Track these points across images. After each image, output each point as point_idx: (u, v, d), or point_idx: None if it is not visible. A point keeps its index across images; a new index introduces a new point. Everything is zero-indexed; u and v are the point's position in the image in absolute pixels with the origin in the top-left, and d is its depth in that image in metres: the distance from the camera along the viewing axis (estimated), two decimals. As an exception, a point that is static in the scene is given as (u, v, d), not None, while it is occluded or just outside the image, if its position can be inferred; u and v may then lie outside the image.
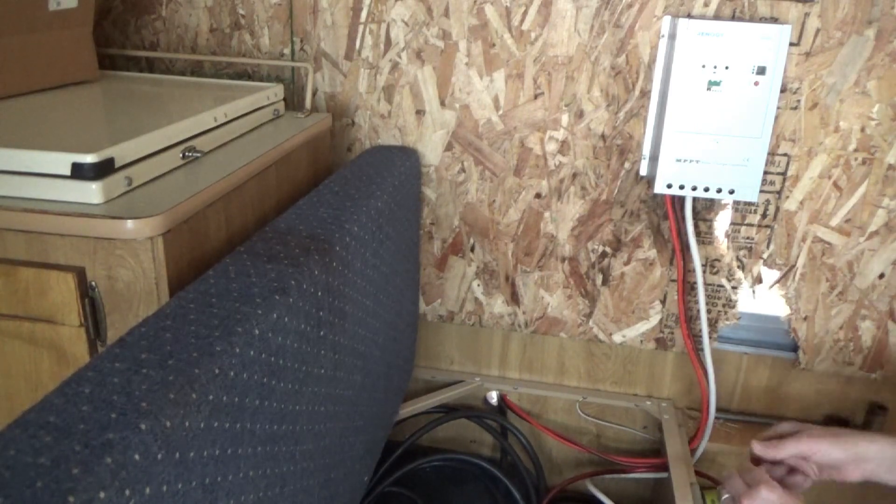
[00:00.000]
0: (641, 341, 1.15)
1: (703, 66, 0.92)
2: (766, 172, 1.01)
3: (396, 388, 1.07)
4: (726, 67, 0.92)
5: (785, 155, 1.00)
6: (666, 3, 0.96)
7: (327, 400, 0.70)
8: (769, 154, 0.99)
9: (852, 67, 0.94)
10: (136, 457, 0.38)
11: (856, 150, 0.98)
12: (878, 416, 1.12)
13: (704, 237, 1.07)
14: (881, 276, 1.03)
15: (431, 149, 1.09)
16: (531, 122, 1.05)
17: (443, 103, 1.06)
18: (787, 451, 0.80)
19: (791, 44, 0.94)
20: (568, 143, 1.05)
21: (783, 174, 1.01)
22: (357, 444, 0.84)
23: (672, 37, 0.94)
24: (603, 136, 1.04)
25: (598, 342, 1.17)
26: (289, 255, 0.64)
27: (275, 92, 1.00)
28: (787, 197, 1.02)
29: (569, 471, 1.27)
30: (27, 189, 0.63)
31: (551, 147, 1.05)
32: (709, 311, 1.10)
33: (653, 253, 1.09)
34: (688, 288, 1.09)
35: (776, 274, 1.07)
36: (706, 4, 0.95)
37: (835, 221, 1.02)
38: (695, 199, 1.02)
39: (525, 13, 1.00)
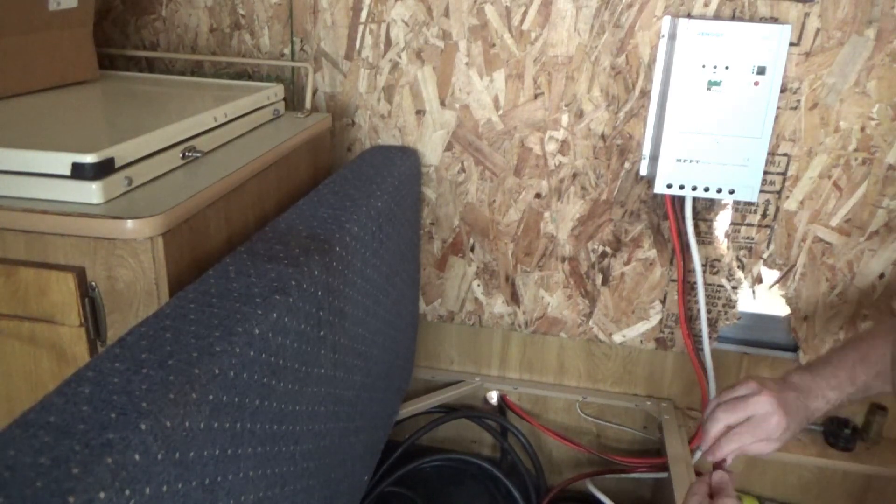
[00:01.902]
0: (641, 341, 1.15)
1: (703, 66, 0.92)
2: (766, 172, 1.01)
3: (396, 388, 1.07)
4: (726, 67, 0.92)
5: (785, 155, 1.00)
6: (666, 3, 0.96)
7: (327, 400, 0.70)
8: (769, 154, 0.99)
9: (852, 67, 0.94)
10: (136, 457, 0.38)
11: (856, 150, 0.98)
12: (877, 416, 1.12)
13: (704, 237, 1.07)
14: (881, 276, 1.03)
15: (431, 149, 1.09)
16: (531, 122, 1.05)
17: (443, 103, 1.06)
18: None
19: (791, 44, 0.94)
20: (568, 143, 1.05)
21: (783, 174, 1.01)
22: (357, 444, 0.84)
23: (672, 37, 0.94)
24: (603, 136, 1.04)
25: (598, 342, 1.17)
26: (289, 255, 0.64)
27: (275, 92, 1.00)
28: (787, 197, 1.02)
29: (569, 471, 1.27)
30: (27, 189, 0.63)
31: (551, 147, 1.05)
32: (709, 311, 1.10)
33: (653, 253, 1.09)
34: (688, 288, 1.09)
35: (776, 274, 1.07)
36: (706, 4, 0.95)
37: (835, 221, 1.02)
38: (695, 199, 1.02)
39: (525, 13, 0.99)
